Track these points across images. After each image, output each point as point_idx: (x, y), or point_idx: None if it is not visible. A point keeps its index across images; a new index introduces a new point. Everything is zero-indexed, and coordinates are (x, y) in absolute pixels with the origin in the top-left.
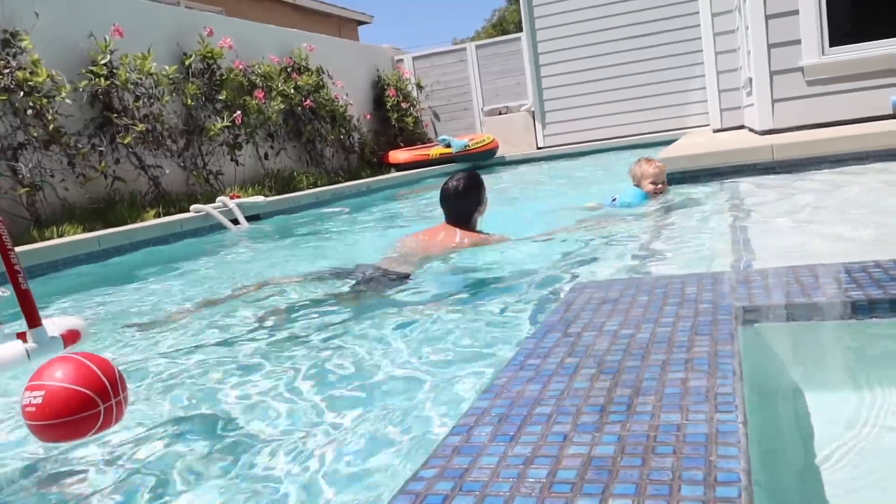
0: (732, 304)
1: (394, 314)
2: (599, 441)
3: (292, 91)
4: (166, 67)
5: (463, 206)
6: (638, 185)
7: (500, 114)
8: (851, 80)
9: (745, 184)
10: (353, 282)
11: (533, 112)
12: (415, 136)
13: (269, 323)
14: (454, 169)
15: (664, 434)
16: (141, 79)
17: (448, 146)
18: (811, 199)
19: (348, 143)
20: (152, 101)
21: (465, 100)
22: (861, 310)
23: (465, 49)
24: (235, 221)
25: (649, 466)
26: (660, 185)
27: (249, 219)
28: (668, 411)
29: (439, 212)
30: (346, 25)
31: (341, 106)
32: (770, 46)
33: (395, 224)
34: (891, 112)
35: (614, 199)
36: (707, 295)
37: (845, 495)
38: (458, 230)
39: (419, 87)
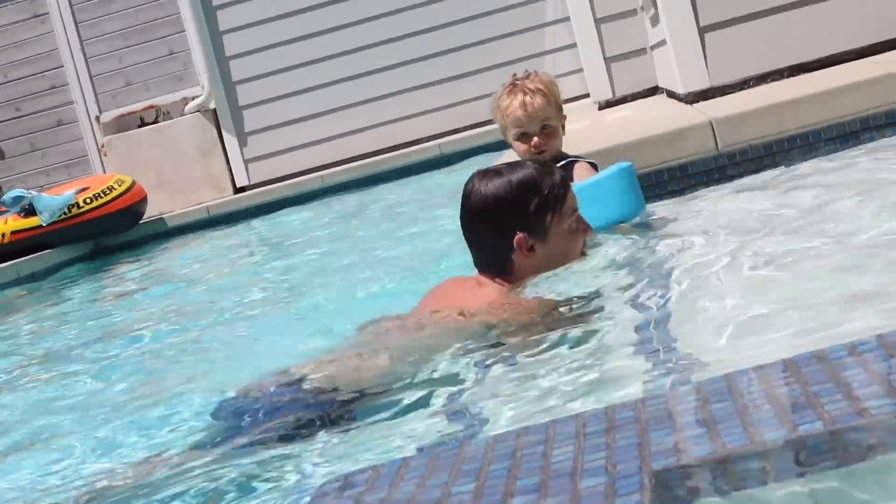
0: (643, 469)
1: None
2: None
3: None
4: None
5: (486, 236)
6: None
7: (143, 123)
8: None
9: (666, 207)
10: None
11: (215, 112)
12: None
13: None
14: (67, 260)
15: None
16: None
17: (29, 212)
18: (788, 230)
19: None
20: None
21: (59, 102)
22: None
23: None
24: None
25: None
26: (538, 140)
27: None
28: None
29: None
30: None
31: None
32: None
33: None
34: None
35: None
36: (594, 458)
37: None
38: (479, 288)
39: None
